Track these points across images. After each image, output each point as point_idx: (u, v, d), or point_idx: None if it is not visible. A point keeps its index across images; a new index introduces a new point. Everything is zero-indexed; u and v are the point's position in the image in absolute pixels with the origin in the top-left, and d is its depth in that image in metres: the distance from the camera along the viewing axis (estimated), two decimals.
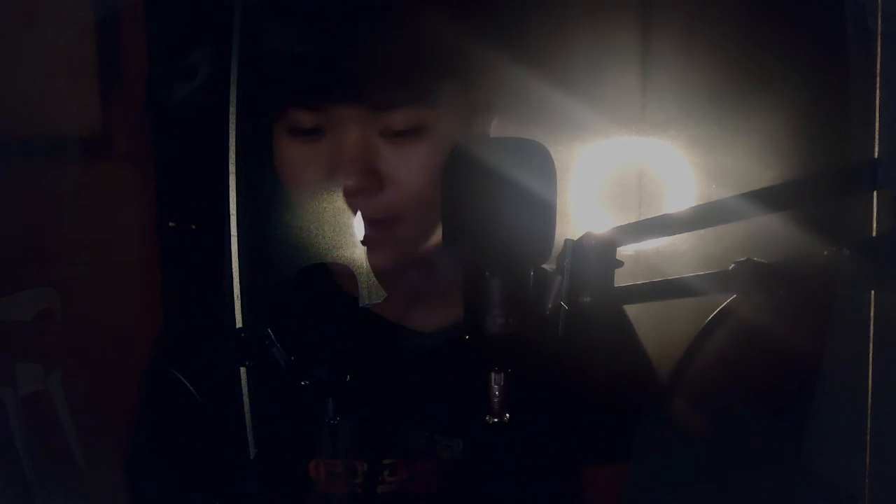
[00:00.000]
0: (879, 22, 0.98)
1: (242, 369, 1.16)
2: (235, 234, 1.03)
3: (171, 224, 1.19)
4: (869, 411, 0.98)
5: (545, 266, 0.78)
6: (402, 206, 0.85)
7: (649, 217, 0.90)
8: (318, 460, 0.91)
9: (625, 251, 0.79)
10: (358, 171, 0.82)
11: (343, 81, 0.81)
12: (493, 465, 0.93)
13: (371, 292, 1.05)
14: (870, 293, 0.97)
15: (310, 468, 0.91)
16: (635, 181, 1.18)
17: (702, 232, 1.04)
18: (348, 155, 0.82)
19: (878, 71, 0.98)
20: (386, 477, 0.90)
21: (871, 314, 0.97)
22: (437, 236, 0.90)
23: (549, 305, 0.77)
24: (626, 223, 0.83)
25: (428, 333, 0.95)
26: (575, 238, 0.78)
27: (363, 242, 0.87)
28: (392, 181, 0.84)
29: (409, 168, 0.83)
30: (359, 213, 0.86)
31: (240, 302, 1.04)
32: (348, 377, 0.87)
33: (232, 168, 1.07)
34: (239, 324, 1.18)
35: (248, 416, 1.12)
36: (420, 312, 0.95)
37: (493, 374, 0.75)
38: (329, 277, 0.95)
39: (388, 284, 0.89)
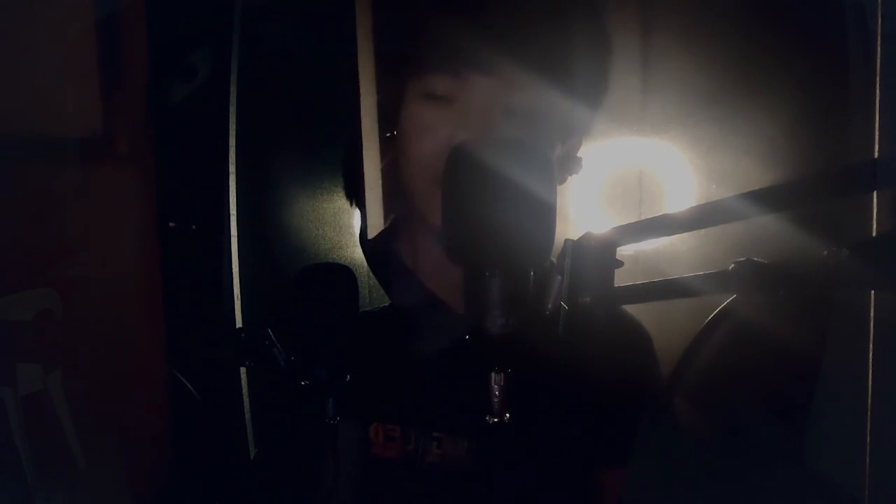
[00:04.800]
0: (879, 22, 0.98)
1: (242, 369, 1.16)
2: (235, 234, 1.03)
3: (171, 224, 1.19)
4: (869, 411, 0.98)
5: (545, 266, 0.78)
6: None
7: (649, 217, 0.90)
8: (378, 424, 0.95)
9: (625, 251, 0.79)
10: (477, 133, 0.88)
11: (484, 53, 0.88)
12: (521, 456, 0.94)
13: (372, 293, 1.05)
14: (870, 293, 0.97)
15: (370, 431, 0.95)
16: (635, 181, 1.18)
17: (702, 232, 1.05)
18: (471, 121, 0.89)
19: (878, 71, 0.98)
20: (434, 448, 0.94)
21: (871, 314, 0.97)
22: None
23: (549, 305, 0.77)
24: (626, 223, 0.83)
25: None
26: (575, 238, 0.78)
27: None
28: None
29: None
30: None
31: (240, 302, 1.05)
32: (348, 377, 0.87)
33: (232, 168, 1.08)
34: (239, 324, 1.18)
35: (247, 416, 1.12)
36: None
37: (493, 374, 0.75)
38: (331, 277, 0.96)
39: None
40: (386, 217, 1.09)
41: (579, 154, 1.00)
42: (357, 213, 1.07)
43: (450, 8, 0.90)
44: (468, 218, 0.73)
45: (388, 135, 0.98)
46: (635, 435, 0.99)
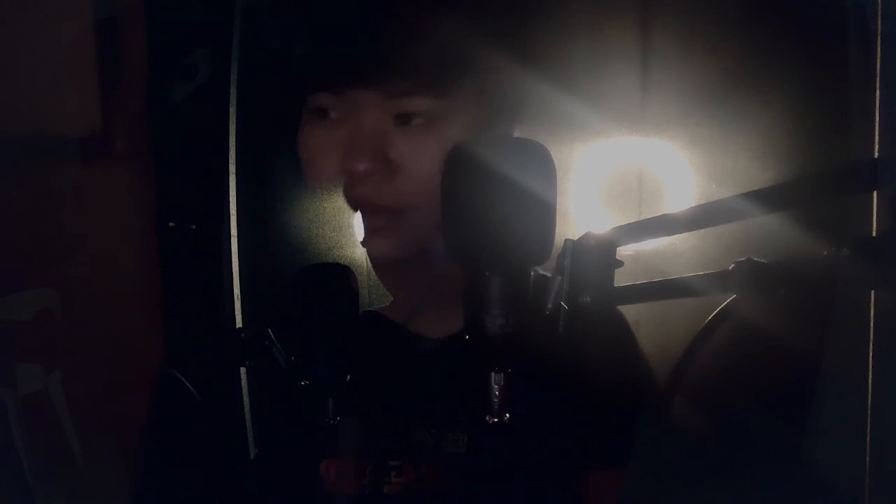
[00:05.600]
0: (879, 22, 0.98)
1: (242, 369, 1.16)
2: (235, 234, 1.03)
3: (171, 224, 1.19)
4: (869, 411, 0.98)
5: (545, 266, 0.78)
6: (410, 195, 0.85)
7: (649, 217, 0.90)
8: (329, 460, 0.92)
9: (625, 251, 0.79)
10: (369, 156, 0.84)
11: (360, 66, 0.84)
12: (497, 465, 0.93)
13: (372, 293, 1.05)
14: (870, 293, 0.97)
15: (321, 467, 0.92)
16: (635, 181, 1.18)
17: (702, 232, 1.04)
18: (361, 139, 0.84)
19: (878, 71, 0.98)
20: (392, 478, 0.91)
21: (871, 314, 0.97)
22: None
23: (549, 305, 0.77)
24: (626, 223, 0.82)
25: (434, 339, 0.95)
26: (575, 238, 0.78)
27: (367, 230, 0.88)
28: (403, 169, 0.85)
29: (421, 156, 0.84)
30: (360, 210, 0.87)
31: (240, 302, 1.05)
32: (348, 377, 0.87)
33: (232, 168, 1.08)
34: (239, 324, 1.18)
35: (247, 416, 1.12)
36: (428, 317, 0.95)
37: (493, 374, 0.75)
38: (331, 277, 0.95)
39: (392, 280, 0.91)
40: None
41: None
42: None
43: (317, 23, 0.87)
44: (468, 218, 0.73)
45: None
46: (632, 434, 0.98)
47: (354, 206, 0.87)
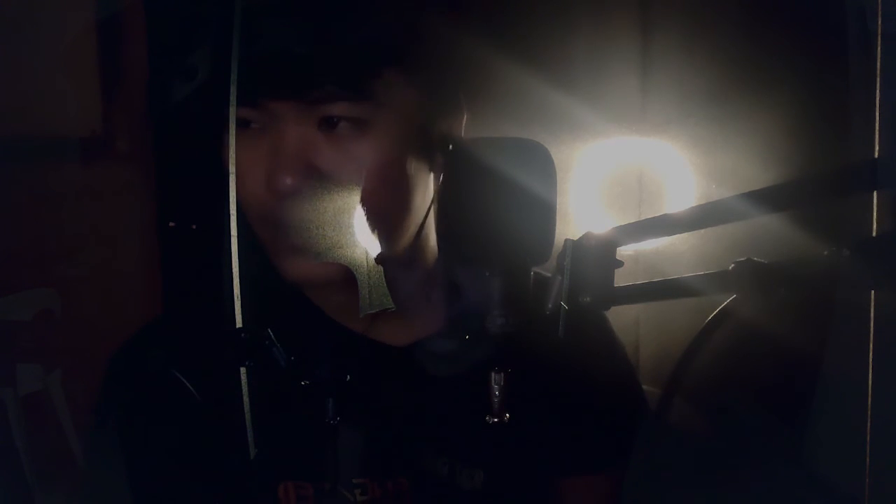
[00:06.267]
0: (879, 22, 0.98)
1: (242, 369, 1.16)
2: (235, 234, 1.03)
3: (171, 224, 1.19)
4: (869, 411, 0.98)
5: (545, 266, 0.78)
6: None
7: (649, 217, 0.90)
8: (288, 482, 0.89)
9: (625, 251, 0.79)
10: (295, 168, 0.79)
11: (276, 77, 0.78)
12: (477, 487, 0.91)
13: (373, 292, 1.05)
14: (870, 293, 0.97)
15: (279, 491, 0.89)
16: (635, 181, 1.18)
17: (702, 232, 1.05)
18: (286, 151, 0.79)
19: (878, 71, 0.98)
20: (357, 496, 0.88)
21: (871, 314, 0.97)
22: (395, 242, 0.88)
23: (549, 305, 0.77)
24: (626, 223, 0.83)
25: (398, 347, 0.92)
26: (575, 238, 0.78)
27: (290, 250, 0.83)
28: (334, 179, 0.80)
29: (352, 165, 0.80)
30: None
31: (240, 302, 1.04)
32: (348, 377, 0.86)
33: (232, 168, 1.07)
34: (239, 324, 1.18)
35: (248, 416, 1.12)
36: (389, 324, 0.91)
37: (493, 374, 0.76)
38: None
39: (346, 292, 0.85)
40: None
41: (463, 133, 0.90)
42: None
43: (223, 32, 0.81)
44: (468, 217, 0.73)
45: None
46: (629, 435, 0.98)
47: (280, 226, 0.82)
